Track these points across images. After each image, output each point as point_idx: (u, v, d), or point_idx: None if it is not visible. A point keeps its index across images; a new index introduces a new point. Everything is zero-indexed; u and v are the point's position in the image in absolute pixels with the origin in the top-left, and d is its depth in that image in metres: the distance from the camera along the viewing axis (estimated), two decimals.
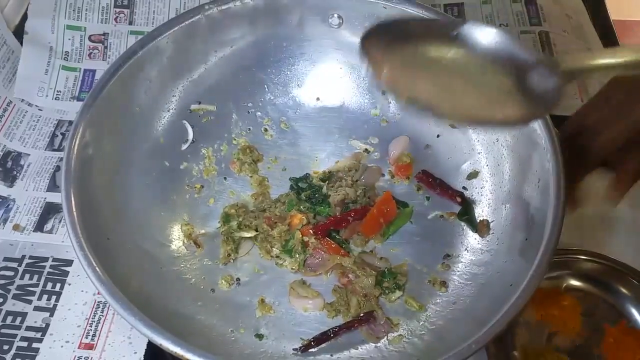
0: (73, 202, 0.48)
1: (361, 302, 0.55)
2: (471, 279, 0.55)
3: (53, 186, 0.65)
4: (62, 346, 0.55)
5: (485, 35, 0.40)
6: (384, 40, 0.41)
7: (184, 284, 0.55)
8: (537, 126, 0.53)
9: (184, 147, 0.62)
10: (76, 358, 0.54)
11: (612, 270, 0.57)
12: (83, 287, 0.58)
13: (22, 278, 0.59)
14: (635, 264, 0.59)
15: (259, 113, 0.66)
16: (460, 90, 0.40)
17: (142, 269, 0.53)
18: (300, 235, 0.57)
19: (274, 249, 0.58)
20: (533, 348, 0.54)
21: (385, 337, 0.53)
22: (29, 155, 0.68)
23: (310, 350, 0.52)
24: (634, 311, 0.56)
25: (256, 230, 0.58)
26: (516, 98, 0.39)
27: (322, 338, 0.52)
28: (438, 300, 0.55)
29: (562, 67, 0.38)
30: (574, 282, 0.57)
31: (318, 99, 0.67)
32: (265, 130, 0.66)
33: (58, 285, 0.58)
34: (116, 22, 0.77)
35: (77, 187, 0.49)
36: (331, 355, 0.52)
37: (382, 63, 0.40)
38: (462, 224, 0.59)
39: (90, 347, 0.55)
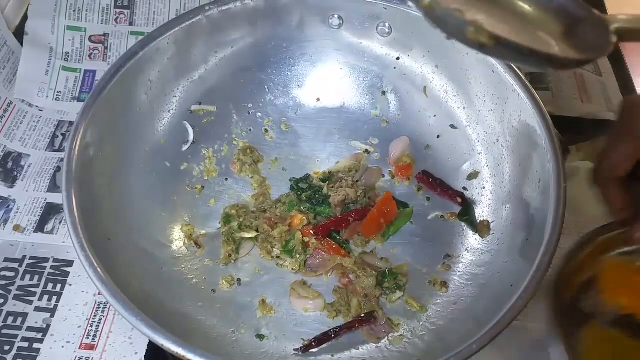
0: (74, 202, 0.48)
1: (362, 303, 0.55)
2: (472, 279, 0.55)
3: (53, 187, 0.65)
4: (62, 347, 0.55)
5: None
6: None
7: (185, 285, 0.55)
8: (538, 127, 0.53)
9: (185, 147, 0.62)
10: (77, 358, 0.54)
11: None
12: (84, 288, 0.58)
13: (22, 279, 0.59)
14: None
15: (260, 114, 0.66)
16: (501, 13, 0.38)
17: (143, 269, 0.53)
18: (301, 236, 0.58)
19: (275, 249, 0.58)
20: (602, 330, 0.50)
21: (386, 337, 0.53)
22: (29, 155, 0.67)
23: (311, 350, 0.52)
24: None
25: (257, 231, 0.59)
26: (561, 39, 0.38)
27: (323, 338, 0.52)
28: (439, 301, 0.55)
29: (611, 27, 0.38)
30: None
31: (318, 99, 0.67)
32: (266, 130, 0.66)
33: (59, 286, 0.58)
34: (116, 22, 0.77)
35: (78, 187, 0.49)
36: (332, 356, 0.52)
37: None
38: (463, 224, 0.59)
39: (91, 347, 0.55)
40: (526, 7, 0.40)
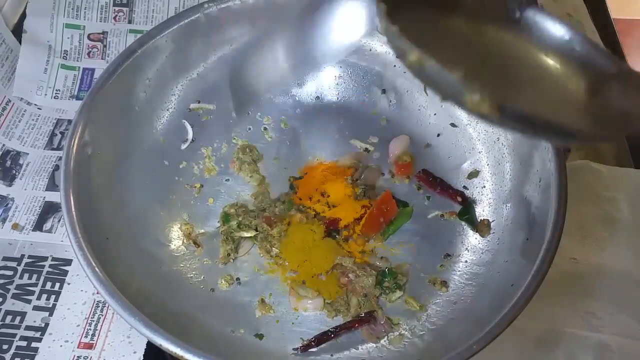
0: (72, 201, 0.48)
1: (361, 302, 0.55)
2: (472, 278, 0.55)
3: (52, 185, 0.65)
4: (61, 345, 0.55)
5: (556, 29, 0.32)
6: None
7: (184, 284, 0.55)
8: None
9: (184, 146, 0.62)
10: (75, 357, 0.54)
11: None
12: (82, 287, 0.58)
13: (21, 277, 0.58)
14: (636, 264, 0.59)
15: (259, 112, 0.65)
16: (504, 71, 0.31)
17: (142, 268, 0.53)
18: None
19: (274, 248, 0.58)
20: None
21: (386, 337, 0.53)
22: (27, 154, 0.67)
23: (310, 350, 0.52)
24: None
25: (256, 230, 0.58)
26: (583, 107, 0.31)
27: (322, 338, 0.52)
28: (438, 300, 0.55)
29: None
30: None
31: (318, 98, 0.66)
32: (265, 129, 0.65)
33: (57, 285, 0.58)
34: (115, 20, 0.77)
35: (76, 186, 0.49)
36: (331, 355, 0.52)
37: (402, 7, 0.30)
38: (463, 223, 0.59)
39: (89, 346, 0.55)
40: (541, 57, 0.32)
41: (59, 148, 0.68)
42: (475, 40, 0.32)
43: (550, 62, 0.32)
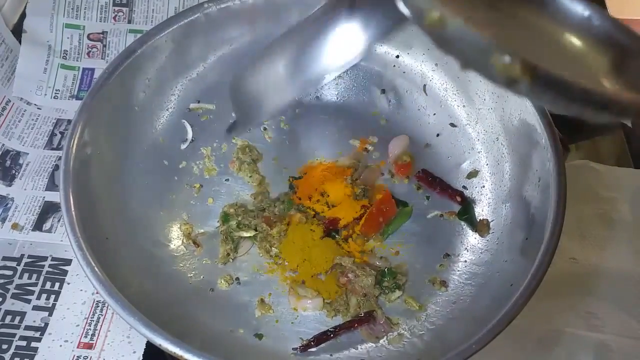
0: (72, 201, 0.48)
1: (361, 302, 0.55)
2: (471, 278, 0.55)
3: (52, 185, 0.65)
4: (61, 345, 0.55)
5: (574, 5, 0.31)
6: None
7: (183, 284, 0.55)
8: (538, 125, 0.52)
9: (184, 146, 0.62)
10: (75, 357, 0.54)
11: None
12: (82, 287, 0.58)
13: (21, 277, 0.58)
14: (635, 264, 0.59)
15: None
16: (526, 42, 0.29)
17: (141, 268, 0.53)
18: None
19: (274, 248, 0.58)
20: None
21: (385, 337, 0.53)
22: (27, 154, 0.67)
23: (309, 350, 0.52)
24: None
25: (255, 230, 0.58)
26: (609, 82, 0.29)
27: (321, 338, 0.52)
28: (438, 300, 0.55)
29: None
30: None
31: (317, 98, 0.66)
32: (265, 129, 0.65)
33: (57, 285, 0.58)
34: (115, 20, 0.77)
35: (75, 186, 0.49)
36: (331, 355, 0.52)
37: None
38: (462, 223, 0.59)
39: (89, 346, 0.55)
40: (561, 33, 0.31)
41: (58, 148, 0.68)
42: (490, 15, 0.30)
43: (571, 38, 0.31)
